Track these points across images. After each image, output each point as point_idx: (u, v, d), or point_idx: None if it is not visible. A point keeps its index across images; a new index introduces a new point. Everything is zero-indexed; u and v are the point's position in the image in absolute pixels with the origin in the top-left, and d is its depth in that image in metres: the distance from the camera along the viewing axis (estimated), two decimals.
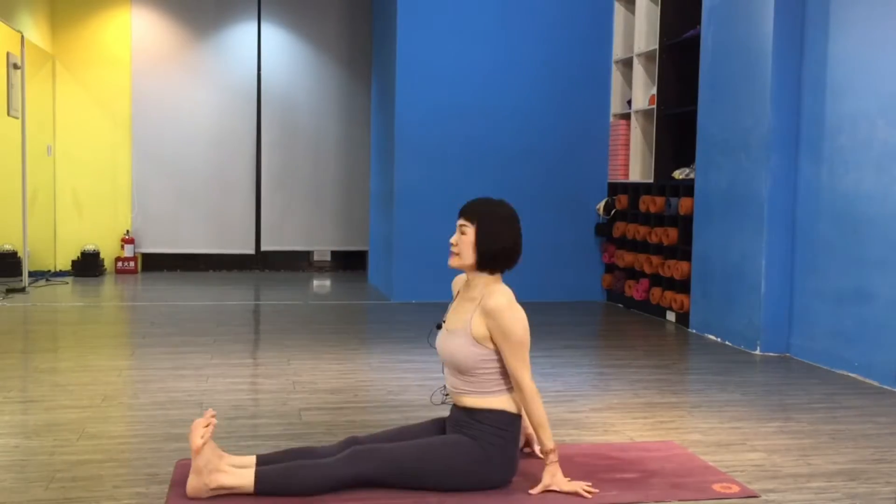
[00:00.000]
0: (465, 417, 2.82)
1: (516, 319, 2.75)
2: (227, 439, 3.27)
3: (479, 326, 2.78)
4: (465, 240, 2.88)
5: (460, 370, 2.81)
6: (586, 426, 3.61)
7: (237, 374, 4.45)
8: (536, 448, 3.00)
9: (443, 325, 2.94)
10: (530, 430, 3.04)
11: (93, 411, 3.67)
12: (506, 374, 2.81)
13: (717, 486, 2.88)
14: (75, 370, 4.44)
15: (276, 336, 5.58)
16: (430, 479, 2.74)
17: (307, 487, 2.67)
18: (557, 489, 2.76)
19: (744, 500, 2.78)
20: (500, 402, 2.80)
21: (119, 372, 4.42)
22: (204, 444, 2.65)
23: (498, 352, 2.78)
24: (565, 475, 2.86)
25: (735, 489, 2.86)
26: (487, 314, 2.76)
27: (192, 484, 2.65)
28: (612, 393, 4.20)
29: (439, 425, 2.95)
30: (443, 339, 2.89)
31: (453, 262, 2.90)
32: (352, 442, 2.85)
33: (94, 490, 2.75)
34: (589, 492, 2.76)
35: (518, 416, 2.83)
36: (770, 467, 3.11)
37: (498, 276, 2.90)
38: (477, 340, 2.78)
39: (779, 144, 5.19)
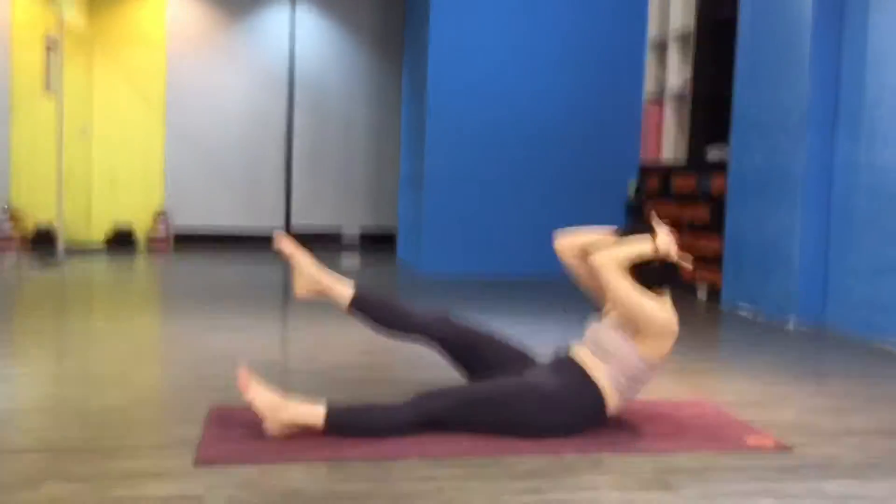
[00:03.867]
0: (571, 367, 2.82)
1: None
2: None
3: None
4: None
5: (603, 350, 2.83)
6: None
7: (269, 333, 4.50)
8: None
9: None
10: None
11: (127, 364, 3.71)
12: (637, 381, 2.82)
13: (750, 440, 2.85)
14: (109, 330, 4.50)
15: (305, 308, 5.60)
16: (499, 420, 2.73)
17: (376, 427, 2.70)
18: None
19: (777, 452, 2.75)
20: (610, 391, 2.80)
21: (153, 330, 4.48)
22: (251, 392, 2.70)
23: (644, 360, 2.80)
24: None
25: (769, 442, 2.83)
26: None
27: (269, 426, 2.70)
28: None
29: (525, 358, 2.99)
30: (596, 327, 2.92)
31: None
32: (442, 318, 3.01)
33: (128, 430, 2.78)
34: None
35: (606, 416, 2.84)
36: (805, 425, 3.07)
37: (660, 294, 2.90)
38: (627, 336, 2.81)
39: (816, 120, 5.12)
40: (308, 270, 3.04)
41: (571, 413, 2.78)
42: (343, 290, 3.03)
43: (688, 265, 2.93)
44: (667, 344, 2.84)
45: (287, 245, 3.05)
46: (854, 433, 2.99)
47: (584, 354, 2.87)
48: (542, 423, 2.75)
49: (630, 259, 2.83)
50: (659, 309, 2.81)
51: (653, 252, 2.84)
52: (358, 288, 3.02)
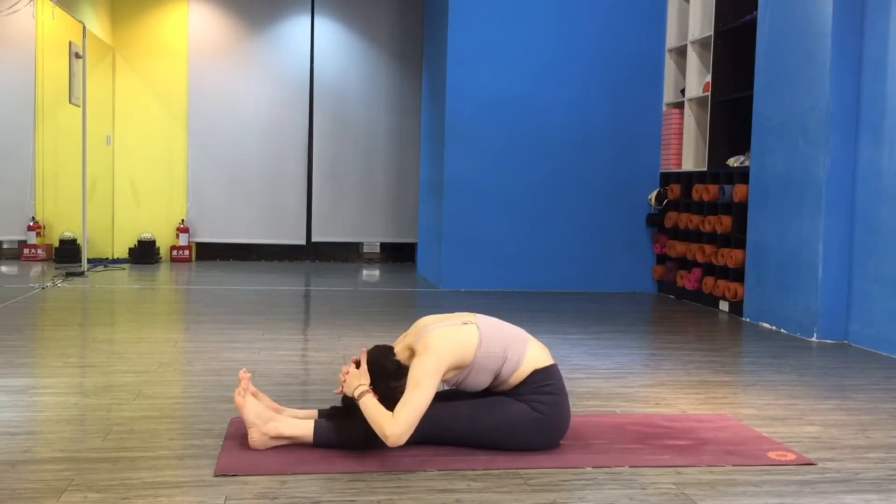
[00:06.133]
0: (509, 392, 2.81)
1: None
2: (279, 402, 3.29)
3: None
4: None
5: (492, 385, 2.81)
6: (637, 399, 3.57)
7: (288, 347, 4.51)
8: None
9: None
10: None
11: (149, 376, 3.74)
12: (500, 355, 2.75)
13: (772, 454, 2.82)
14: (132, 341, 4.54)
15: (327, 316, 5.64)
16: (487, 438, 2.75)
17: (355, 447, 2.70)
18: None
19: (800, 467, 2.72)
20: (525, 369, 2.77)
21: (174, 343, 4.51)
22: (244, 399, 2.72)
23: (466, 368, 2.74)
24: (616, 442, 2.86)
25: (791, 457, 2.80)
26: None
27: (253, 436, 2.71)
28: (664, 371, 4.15)
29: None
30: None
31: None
32: None
33: (149, 441, 2.80)
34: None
35: (552, 365, 2.82)
36: (827, 439, 3.04)
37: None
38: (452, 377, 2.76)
39: (838, 126, 5.09)
40: (263, 428, 2.71)
41: (546, 406, 2.75)
42: (305, 434, 2.74)
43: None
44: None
45: (245, 403, 2.72)
46: (877, 448, 2.95)
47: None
48: (530, 432, 2.75)
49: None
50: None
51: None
52: (315, 430, 2.73)
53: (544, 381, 2.77)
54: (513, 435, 2.74)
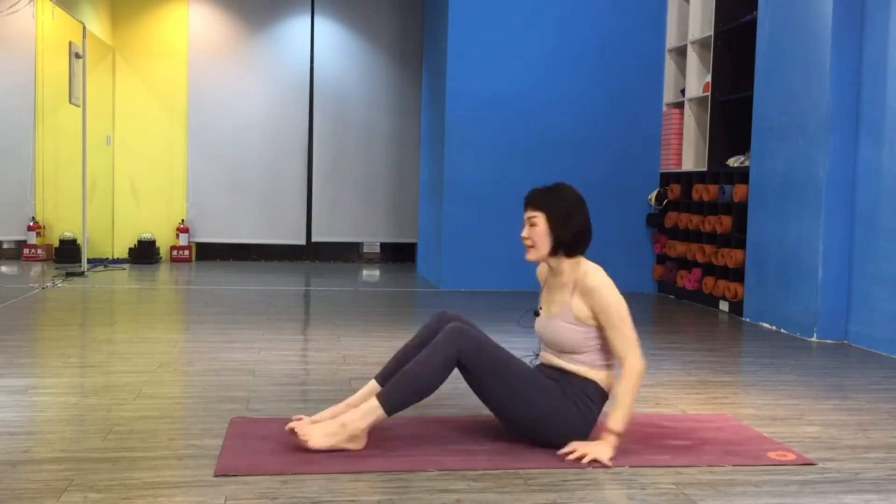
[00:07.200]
0: (557, 374, 2.82)
1: (613, 294, 2.76)
2: (278, 402, 3.32)
3: (581, 307, 2.78)
4: (537, 231, 2.84)
5: (565, 351, 2.82)
6: (638, 399, 3.55)
7: (288, 347, 4.51)
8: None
9: (539, 311, 2.93)
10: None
11: (149, 376, 3.74)
12: (608, 350, 2.80)
13: (772, 454, 2.82)
14: (132, 341, 4.54)
15: (327, 316, 5.64)
16: (510, 394, 2.74)
17: (428, 384, 2.69)
18: (594, 458, 2.67)
19: (800, 467, 2.72)
20: (598, 375, 2.80)
21: (174, 343, 4.51)
22: (309, 439, 2.68)
23: (601, 328, 2.77)
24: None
25: (791, 457, 2.80)
26: (587, 293, 2.76)
27: (349, 447, 2.69)
28: (664, 371, 4.16)
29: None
30: (543, 324, 2.89)
31: (531, 255, 2.88)
32: (444, 317, 2.89)
33: (150, 441, 2.80)
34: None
35: (606, 397, 2.84)
36: (827, 439, 3.04)
37: (580, 258, 2.86)
38: (581, 321, 2.78)
39: (838, 126, 5.09)
40: (346, 440, 2.70)
41: (576, 407, 2.76)
42: (377, 414, 2.71)
43: None
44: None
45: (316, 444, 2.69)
46: (877, 448, 2.95)
47: (556, 360, 2.84)
48: (546, 416, 2.74)
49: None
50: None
51: None
52: (382, 401, 2.71)
53: (591, 398, 2.79)
54: (552, 426, 2.74)
